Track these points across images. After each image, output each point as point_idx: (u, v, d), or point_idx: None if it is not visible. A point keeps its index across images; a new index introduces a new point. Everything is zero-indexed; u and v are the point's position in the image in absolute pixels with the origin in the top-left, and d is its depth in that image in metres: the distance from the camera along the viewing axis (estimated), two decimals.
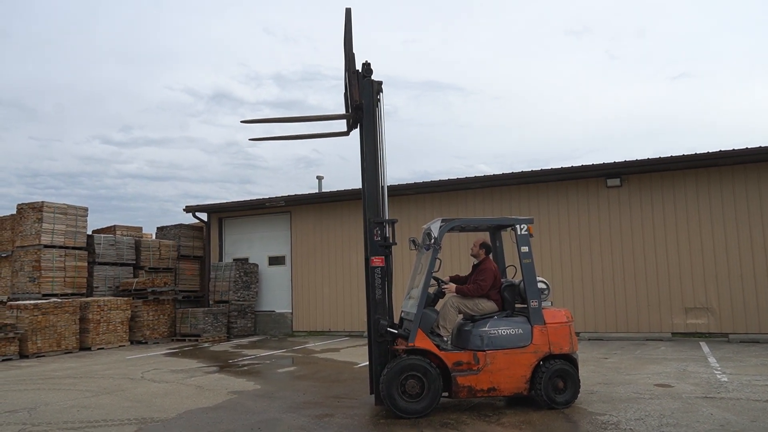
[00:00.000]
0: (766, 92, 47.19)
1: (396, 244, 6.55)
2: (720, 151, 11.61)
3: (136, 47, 54.78)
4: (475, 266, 6.95)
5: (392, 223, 6.55)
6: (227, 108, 56.79)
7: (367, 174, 6.53)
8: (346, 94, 6.84)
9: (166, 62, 57.13)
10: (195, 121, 55.70)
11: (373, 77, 6.71)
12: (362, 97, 6.56)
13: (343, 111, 7.01)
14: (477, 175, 13.96)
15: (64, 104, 54.49)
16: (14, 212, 14.71)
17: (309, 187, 44.78)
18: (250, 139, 7.43)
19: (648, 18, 51.26)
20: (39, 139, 51.29)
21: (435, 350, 6.20)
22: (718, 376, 7.85)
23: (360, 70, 6.67)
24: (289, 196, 16.23)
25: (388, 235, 6.47)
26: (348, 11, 6.69)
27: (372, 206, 6.46)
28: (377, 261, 6.38)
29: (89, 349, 13.48)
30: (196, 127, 55.47)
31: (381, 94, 6.75)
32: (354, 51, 6.73)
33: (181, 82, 55.24)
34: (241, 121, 7.07)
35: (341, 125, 7.17)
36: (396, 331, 6.31)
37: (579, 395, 6.42)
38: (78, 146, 52.36)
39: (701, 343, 11.37)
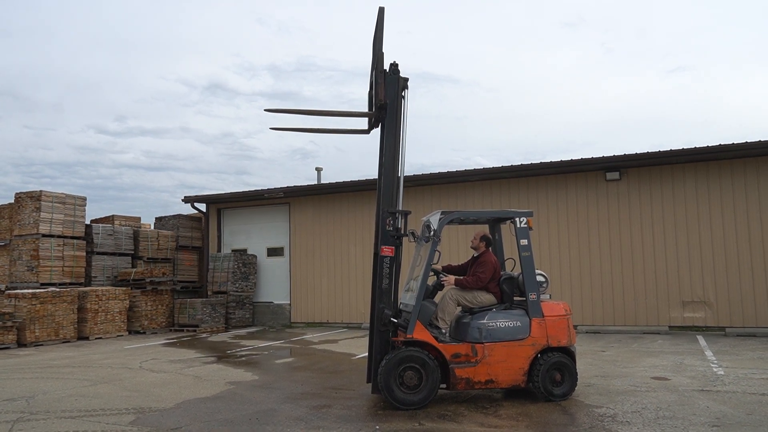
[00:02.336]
0: (763, 85, 47.17)
1: (406, 235, 6.58)
2: (719, 145, 11.62)
3: (129, 36, 54.43)
4: (474, 258, 6.96)
5: (405, 214, 6.58)
6: (222, 98, 56.56)
7: (385, 169, 6.55)
8: (370, 92, 6.80)
9: (159, 52, 56.86)
10: (190, 111, 55.49)
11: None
12: (387, 98, 6.53)
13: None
14: (476, 167, 13.99)
15: (58, 93, 54.30)
16: (12, 201, 14.69)
17: (305, 179, 44.65)
18: (271, 128, 7.20)
19: (644, 11, 51.14)
20: (34, 128, 51.09)
21: (433, 342, 6.22)
22: (715, 370, 7.89)
23: (387, 70, 6.61)
24: (288, 187, 16.21)
25: (400, 226, 6.51)
26: (381, 10, 6.61)
27: (387, 197, 6.50)
28: (387, 251, 6.42)
29: (87, 338, 13.50)
30: (191, 117, 55.27)
31: (406, 90, 6.70)
32: (383, 50, 6.63)
33: (175, 72, 54.97)
34: (265, 110, 6.97)
35: (361, 122, 7.11)
36: (397, 321, 6.33)
37: (576, 388, 6.46)
38: (73, 136, 52.15)
39: (698, 336, 11.41)
